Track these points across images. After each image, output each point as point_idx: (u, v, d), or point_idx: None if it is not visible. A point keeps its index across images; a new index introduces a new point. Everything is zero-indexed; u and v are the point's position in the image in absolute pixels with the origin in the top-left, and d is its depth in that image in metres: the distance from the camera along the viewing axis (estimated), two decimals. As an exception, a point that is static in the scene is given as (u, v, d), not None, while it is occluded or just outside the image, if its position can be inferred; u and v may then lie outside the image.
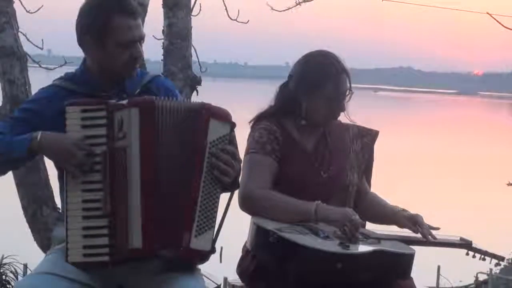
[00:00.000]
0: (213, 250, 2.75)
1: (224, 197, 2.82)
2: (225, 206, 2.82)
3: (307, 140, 3.29)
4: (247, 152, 3.21)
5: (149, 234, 2.65)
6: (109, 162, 2.68)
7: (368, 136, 3.43)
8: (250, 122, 3.33)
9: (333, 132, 3.36)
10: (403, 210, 3.35)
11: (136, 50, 2.87)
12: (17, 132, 2.83)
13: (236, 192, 2.96)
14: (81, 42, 2.92)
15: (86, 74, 2.96)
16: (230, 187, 2.82)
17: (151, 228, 2.66)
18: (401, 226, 3.31)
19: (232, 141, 2.78)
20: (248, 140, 3.27)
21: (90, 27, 2.86)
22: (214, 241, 2.74)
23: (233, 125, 2.79)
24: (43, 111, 2.90)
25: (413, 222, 3.27)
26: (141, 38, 2.89)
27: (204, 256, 2.74)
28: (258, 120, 3.31)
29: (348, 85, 3.27)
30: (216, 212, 2.72)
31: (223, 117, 2.76)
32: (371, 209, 3.40)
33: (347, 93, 3.26)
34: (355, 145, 3.39)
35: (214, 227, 2.72)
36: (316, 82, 3.22)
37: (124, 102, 2.72)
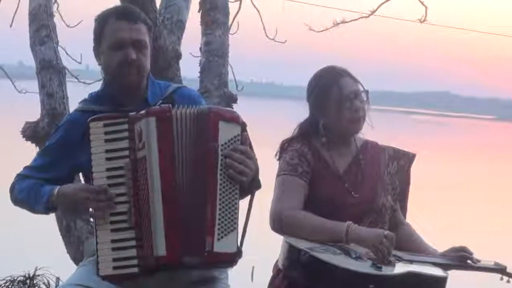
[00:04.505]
0: (239, 252, 2.73)
1: (244, 201, 2.83)
2: (247, 208, 2.82)
3: (339, 161, 3.29)
4: (278, 174, 3.23)
5: (172, 241, 2.67)
6: (132, 174, 2.71)
7: (404, 158, 3.41)
8: (281, 145, 3.34)
9: (368, 153, 3.36)
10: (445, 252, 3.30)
11: (126, 52, 2.89)
12: (49, 164, 2.97)
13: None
14: (93, 51, 3.04)
15: (107, 91, 3.02)
16: (249, 187, 2.81)
17: (174, 235, 2.67)
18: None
19: (244, 141, 2.77)
20: (279, 162, 3.28)
21: (93, 36, 3.00)
22: (241, 243, 2.74)
23: (243, 126, 2.79)
24: (70, 137, 2.97)
25: (458, 250, 3.24)
26: (133, 40, 2.91)
27: (230, 258, 2.73)
28: (289, 143, 3.31)
29: (358, 86, 3.28)
30: (237, 213, 2.72)
31: (232, 118, 2.76)
32: (407, 243, 3.32)
33: (358, 94, 3.26)
34: (390, 167, 3.37)
35: (236, 228, 2.72)
36: (322, 93, 3.27)
37: (143, 112, 2.75)
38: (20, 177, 3.00)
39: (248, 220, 2.79)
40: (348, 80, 3.27)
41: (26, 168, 3.04)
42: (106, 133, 2.75)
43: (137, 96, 2.99)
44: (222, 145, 2.72)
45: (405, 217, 3.47)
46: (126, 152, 2.73)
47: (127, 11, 2.98)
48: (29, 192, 2.90)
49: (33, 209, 2.92)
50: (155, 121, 2.71)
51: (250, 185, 2.79)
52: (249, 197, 2.83)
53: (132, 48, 2.90)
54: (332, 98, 3.24)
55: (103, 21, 2.96)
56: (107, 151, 2.74)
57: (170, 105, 2.77)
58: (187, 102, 2.90)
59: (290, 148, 3.28)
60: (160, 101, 2.95)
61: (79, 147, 2.86)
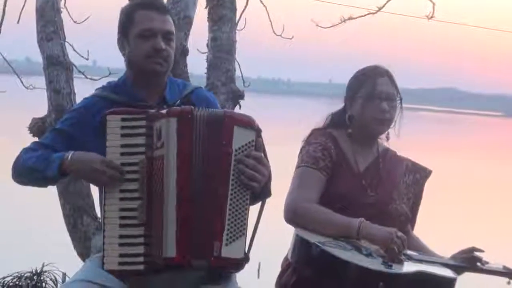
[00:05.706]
0: (246, 258, 2.72)
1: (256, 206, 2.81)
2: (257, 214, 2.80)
3: (360, 160, 3.31)
4: (299, 165, 3.23)
5: (183, 243, 2.65)
6: (146, 171, 2.70)
7: (421, 173, 3.43)
8: (309, 134, 3.35)
9: (387, 160, 3.38)
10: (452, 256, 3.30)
11: (156, 41, 2.90)
12: (59, 143, 2.89)
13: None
14: (117, 43, 3.03)
15: (127, 83, 3.01)
16: (260, 194, 2.79)
17: (185, 237, 2.66)
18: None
19: (258, 147, 2.75)
20: (301, 152, 3.28)
21: (119, 25, 3.00)
22: (249, 249, 2.73)
23: (258, 131, 2.77)
24: (84, 121, 2.94)
25: (467, 252, 3.24)
26: (163, 31, 2.92)
27: (237, 264, 2.72)
28: (314, 135, 3.32)
29: (393, 90, 3.28)
30: (246, 219, 2.71)
31: (247, 123, 2.74)
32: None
33: (390, 98, 3.26)
34: (406, 178, 3.38)
35: (245, 234, 2.71)
36: (355, 85, 3.30)
37: (163, 111, 2.73)
38: (27, 149, 2.93)
39: (257, 227, 2.78)
40: (386, 81, 3.27)
41: (35, 143, 2.98)
42: (123, 127, 2.73)
43: (156, 92, 2.99)
44: (236, 150, 2.70)
45: (413, 229, 3.47)
46: (142, 149, 2.71)
47: (157, 2, 3.00)
48: (38, 158, 2.83)
49: (42, 176, 2.82)
50: (176, 122, 2.69)
51: (262, 191, 2.77)
52: (259, 203, 2.82)
53: (161, 39, 2.91)
54: (363, 92, 3.25)
55: (132, 10, 2.97)
56: (122, 146, 2.73)
57: (192, 106, 2.75)
58: (204, 103, 2.91)
59: (314, 141, 3.28)
60: (179, 101, 2.95)
61: (93, 134, 2.83)
